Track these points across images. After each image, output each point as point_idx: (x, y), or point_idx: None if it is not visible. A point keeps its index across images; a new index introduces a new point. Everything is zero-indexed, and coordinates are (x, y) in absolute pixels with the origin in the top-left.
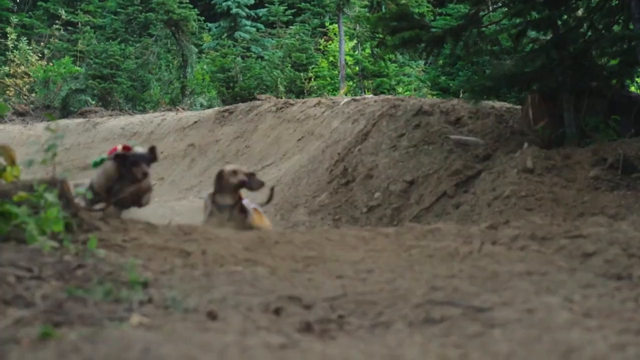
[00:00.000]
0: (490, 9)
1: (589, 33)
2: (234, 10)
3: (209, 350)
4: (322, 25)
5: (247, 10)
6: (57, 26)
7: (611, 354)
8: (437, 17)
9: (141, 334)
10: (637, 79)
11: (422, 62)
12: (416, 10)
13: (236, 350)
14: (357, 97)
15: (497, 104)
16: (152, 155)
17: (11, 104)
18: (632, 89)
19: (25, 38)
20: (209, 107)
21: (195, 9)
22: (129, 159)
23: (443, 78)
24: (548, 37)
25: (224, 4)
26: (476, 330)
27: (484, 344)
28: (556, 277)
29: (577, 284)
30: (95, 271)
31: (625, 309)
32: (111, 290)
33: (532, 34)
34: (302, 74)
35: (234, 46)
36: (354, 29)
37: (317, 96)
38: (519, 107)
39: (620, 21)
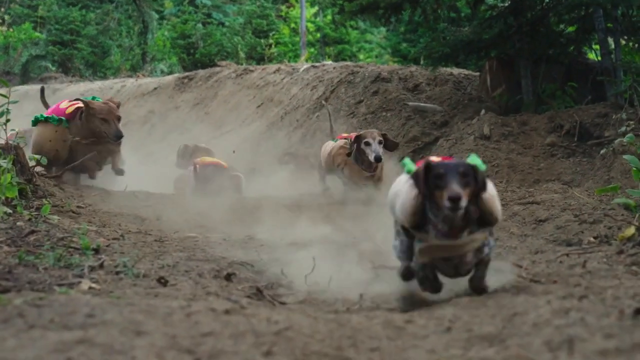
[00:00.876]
0: None
1: (547, 0)
2: None
3: (154, 316)
4: None
5: None
6: None
7: (553, 318)
8: None
9: (88, 299)
10: (594, 46)
11: (383, 29)
12: None
13: (181, 316)
14: (317, 64)
15: (455, 70)
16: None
17: None
18: (590, 56)
19: None
20: (170, 73)
21: None
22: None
23: (404, 45)
24: (506, 4)
25: None
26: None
27: (429, 309)
28: (508, 243)
29: (527, 249)
30: (47, 237)
31: (572, 274)
32: (62, 256)
33: (490, 0)
34: (262, 41)
35: (195, 12)
36: None
37: (278, 63)
38: (476, 74)
39: None
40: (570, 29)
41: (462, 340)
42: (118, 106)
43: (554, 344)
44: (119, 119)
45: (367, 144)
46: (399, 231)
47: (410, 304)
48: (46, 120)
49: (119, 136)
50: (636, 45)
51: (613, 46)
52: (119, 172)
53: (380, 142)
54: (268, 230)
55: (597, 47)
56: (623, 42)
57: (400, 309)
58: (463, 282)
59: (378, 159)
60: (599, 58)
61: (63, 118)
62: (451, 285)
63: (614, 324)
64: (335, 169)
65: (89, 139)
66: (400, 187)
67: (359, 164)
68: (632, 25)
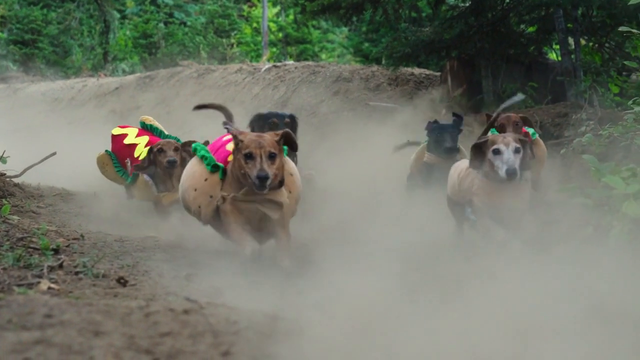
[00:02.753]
0: None
1: (507, 0)
2: None
3: (113, 316)
4: None
5: None
6: None
7: None
8: None
9: (47, 299)
10: (554, 46)
11: (345, 29)
12: None
13: (140, 316)
14: (278, 64)
15: (416, 70)
16: None
17: None
18: (550, 56)
19: None
20: (131, 73)
21: None
22: None
23: (366, 44)
24: (467, 4)
25: None
26: None
27: None
28: None
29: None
30: (7, 237)
31: None
32: (22, 256)
33: (451, 0)
34: (224, 40)
35: (157, 12)
36: None
37: (239, 63)
38: (437, 74)
39: None
40: (531, 29)
41: None
42: None
43: None
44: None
45: (497, 151)
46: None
47: None
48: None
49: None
50: (596, 45)
51: (573, 46)
52: None
53: (517, 150)
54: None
55: (558, 47)
56: (583, 42)
57: None
58: None
59: (512, 174)
60: (559, 58)
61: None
62: None
63: None
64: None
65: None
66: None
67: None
68: (592, 25)
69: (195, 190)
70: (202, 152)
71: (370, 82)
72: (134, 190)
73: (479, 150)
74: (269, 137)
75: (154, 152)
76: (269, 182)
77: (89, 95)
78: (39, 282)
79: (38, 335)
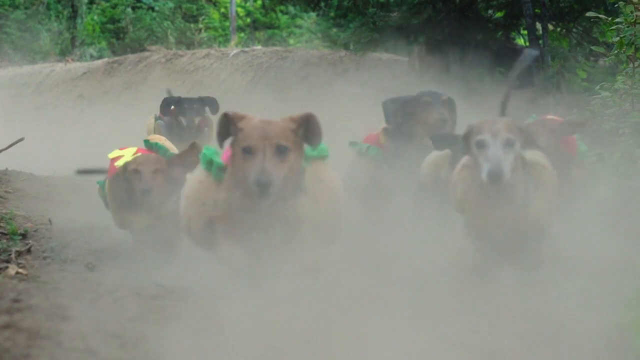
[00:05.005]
0: None
1: None
2: None
3: (81, 301)
4: None
5: None
6: None
7: None
8: None
9: (15, 284)
10: (522, 32)
11: (313, 14)
12: None
13: (108, 300)
14: (246, 49)
15: (385, 55)
16: None
17: None
18: (518, 41)
19: None
20: (99, 58)
21: None
22: None
23: (334, 30)
24: None
25: None
26: None
27: None
28: None
29: None
30: None
31: None
32: None
33: None
34: (192, 25)
35: None
36: None
37: (207, 48)
38: (406, 59)
39: None
40: (499, 14)
41: None
42: None
43: None
44: None
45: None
46: None
47: None
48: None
49: None
50: (564, 30)
51: (541, 32)
52: None
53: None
54: None
55: (525, 32)
56: (551, 27)
57: None
58: None
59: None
60: (527, 43)
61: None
62: None
63: None
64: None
65: None
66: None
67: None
68: (560, 10)
69: (187, 197)
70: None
71: (338, 67)
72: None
73: (467, 145)
74: (282, 124)
75: (128, 173)
76: (273, 188)
77: (56, 80)
78: (6, 267)
79: (6, 319)
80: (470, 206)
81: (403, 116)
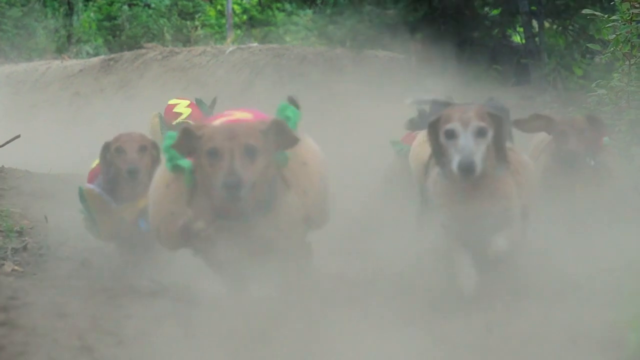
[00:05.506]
0: None
1: None
2: None
3: (77, 298)
4: None
5: None
6: None
7: None
8: None
9: (11, 281)
10: (518, 29)
11: (310, 11)
12: None
13: (105, 297)
14: (242, 46)
15: (381, 53)
16: None
17: None
18: (515, 38)
19: None
20: (96, 55)
21: None
22: None
23: (331, 27)
24: None
25: None
26: None
27: None
28: None
29: None
30: None
31: None
32: None
33: None
34: (188, 23)
35: None
36: None
37: (204, 45)
38: (402, 56)
39: None
40: (495, 11)
41: None
42: None
43: None
44: None
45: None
46: None
47: None
48: None
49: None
50: (560, 27)
51: (537, 29)
52: None
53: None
54: None
55: (521, 29)
56: (547, 24)
57: None
58: None
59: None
60: (523, 41)
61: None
62: None
63: None
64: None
65: None
66: None
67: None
68: (556, 7)
69: (155, 203)
70: (168, 142)
71: (334, 65)
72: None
73: (435, 134)
74: (250, 125)
75: (111, 152)
76: (243, 191)
77: (52, 78)
78: (3, 264)
79: (2, 317)
80: (439, 200)
81: None
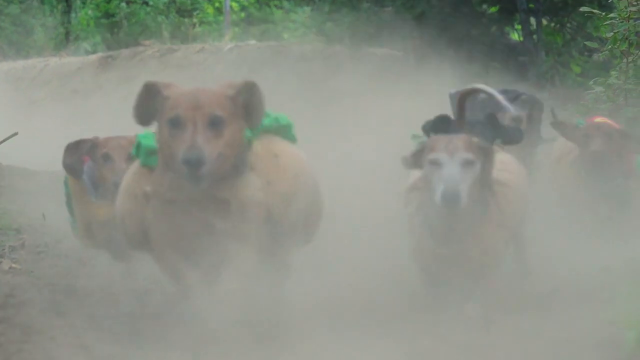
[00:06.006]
0: None
1: None
2: None
3: (75, 296)
4: None
5: None
6: None
7: None
8: None
9: (8, 279)
10: (516, 26)
11: (308, 9)
12: None
13: (102, 296)
14: (241, 44)
15: (379, 50)
16: None
17: None
18: (513, 36)
19: None
20: (93, 52)
21: None
22: None
23: (329, 24)
24: None
25: None
26: None
27: None
28: None
29: None
30: None
31: None
32: None
33: None
34: (186, 20)
35: None
36: None
37: (202, 43)
38: (400, 53)
39: None
40: (493, 9)
41: None
42: None
43: None
44: None
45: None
46: None
47: None
48: None
49: None
50: (558, 25)
51: (535, 26)
52: None
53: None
54: None
55: (519, 27)
56: (545, 22)
57: None
58: None
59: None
60: (521, 38)
61: None
62: None
63: None
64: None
65: None
66: None
67: None
68: (554, 5)
69: (120, 191)
70: (144, 142)
71: (332, 62)
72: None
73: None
74: (217, 91)
75: (97, 157)
76: (205, 168)
77: (51, 75)
78: (0, 262)
79: (0, 314)
80: (414, 238)
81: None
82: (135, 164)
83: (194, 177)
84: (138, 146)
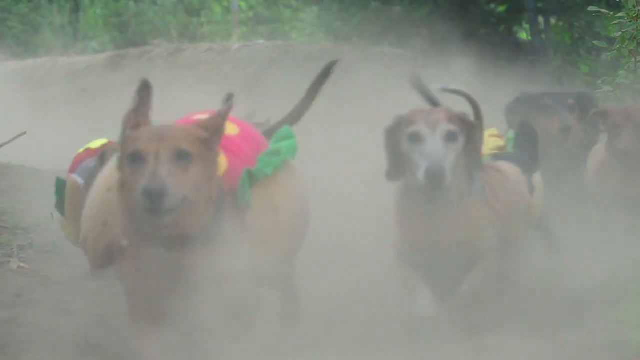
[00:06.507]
0: None
1: None
2: None
3: (82, 295)
4: None
5: None
6: None
7: None
8: None
9: (16, 278)
10: (524, 26)
11: (316, 8)
12: None
13: (109, 295)
14: (249, 43)
15: (387, 49)
16: None
17: None
18: (521, 35)
19: None
20: (102, 52)
21: None
22: None
23: (337, 24)
24: None
25: None
26: None
27: None
28: None
29: None
30: None
31: None
32: None
33: None
34: (194, 19)
35: None
36: None
37: (210, 42)
38: (409, 53)
39: None
40: (501, 8)
41: None
42: None
43: None
44: None
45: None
46: None
47: None
48: None
49: None
50: (566, 24)
51: (543, 26)
52: None
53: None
54: None
55: (528, 26)
56: (553, 21)
57: None
58: None
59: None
60: (530, 37)
61: None
62: None
63: None
64: None
65: None
66: None
67: None
68: (562, 4)
69: (90, 203)
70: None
71: (340, 62)
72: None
73: (395, 141)
74: (186, 128)
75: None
76: (168, 201)
77: (59, 74)
78: (8, 261)
79: (8, 314)
80: (396, 224)
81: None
82: (111, 179)
83: (155, 211)
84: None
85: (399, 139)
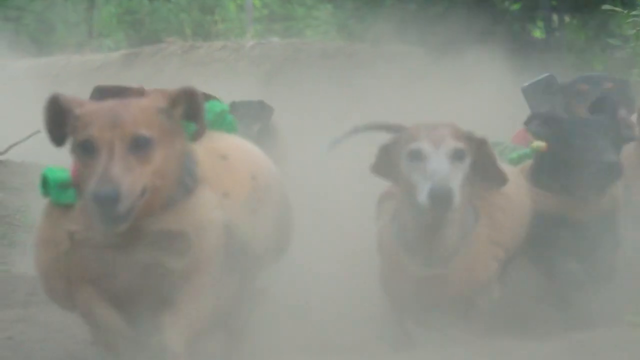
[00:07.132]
0: None
1: None
2: None
3: None
4: None
5: None
6: None
7: None
8: None
9: (30, 278)
10: (538, 23)
11: (330, 5)
12: None
13: None
14: (263, 41)
15: (401, 47)
16: None
17: None
18: (535, 33)
19: None
20: (116, 50)
21: None
22: None
23: (351, 22)
24: None
25: None
26: None
27: None
28: None
29: None
30: None
31: None
32: (6, 234)
33: None
34: (209, 17)
35: None
36: None
37: (224, 40)
38: (423, 50)
39: None
40: (515, 6)
41: None
42: None
43: None
44: None
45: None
46: None
47: None
48: None
49: None
50: (580, 22)
51: (557, 24)
52: None
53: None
54: None
55: (542, 24)
56: (567, 19)
57: None
58: None
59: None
60: (544, 35)
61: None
62: None
63: None
64: None
65: None
66: None
67: None
68: (576, 2)
69: (37, 231)
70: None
71: (355, 59)
72: None
73: (389, 158)
74: (143, 104)
75: None
76: (122, 205)
77: (73, 72)
78: (22, 260)
79: (21, 313)
80: (384, 260)
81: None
82: (46, 205)
83: (106, 218)
84: (44, 181)
85: (398, 158)
